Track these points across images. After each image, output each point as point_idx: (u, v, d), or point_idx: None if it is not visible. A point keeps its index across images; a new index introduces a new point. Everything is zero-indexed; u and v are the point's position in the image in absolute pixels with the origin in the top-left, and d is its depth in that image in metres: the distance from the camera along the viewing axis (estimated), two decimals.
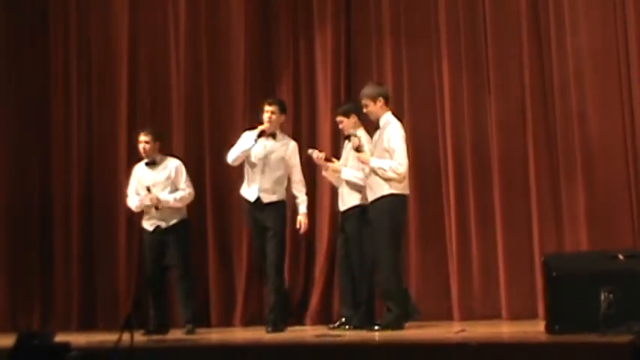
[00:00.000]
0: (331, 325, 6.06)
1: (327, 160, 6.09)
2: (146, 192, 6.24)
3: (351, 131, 5.96)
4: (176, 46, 7.58)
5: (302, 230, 6.19)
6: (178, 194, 6.31)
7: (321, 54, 7.13)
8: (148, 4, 7.78)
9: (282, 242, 6.07)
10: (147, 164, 6.40)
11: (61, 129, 7.80)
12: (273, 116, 6.11)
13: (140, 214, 6.47)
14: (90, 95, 7.79)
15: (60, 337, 4.54)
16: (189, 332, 6.14)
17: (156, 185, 6.30)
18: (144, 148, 6.35)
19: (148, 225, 6.37)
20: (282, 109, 6.19)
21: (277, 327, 5.92)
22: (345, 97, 6.95)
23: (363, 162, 5.71)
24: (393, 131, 5.65)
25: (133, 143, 7.31)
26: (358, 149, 5.72)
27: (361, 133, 5.97)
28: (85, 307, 7.45)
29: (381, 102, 5.72)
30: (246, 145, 6.07)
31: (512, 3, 6.51)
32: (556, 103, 6.31)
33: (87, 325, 7.35)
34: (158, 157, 6.42)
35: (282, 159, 6.12)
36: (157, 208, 6.23)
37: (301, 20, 7.28)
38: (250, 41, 7.33)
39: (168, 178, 6.35)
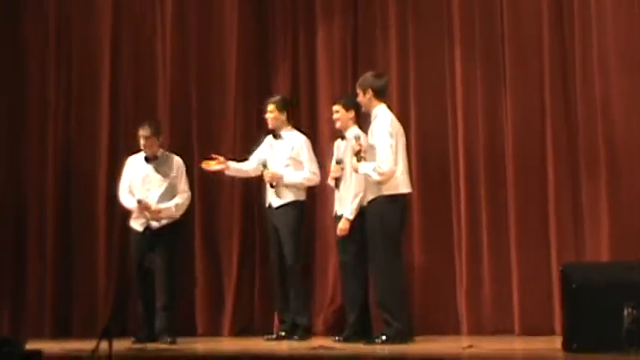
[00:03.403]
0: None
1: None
2: (138, 202, 6.41)
3: (340, 126, 6.18)
4: (162, 34, 7.58)
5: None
6: (176, 201, 6.49)
7: (324, 43, 7.14)
8: None
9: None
10: (146, 159, 6.53)
11: (35, 120, 7.78)
12: (271, 115, 6.50)
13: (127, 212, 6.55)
14: (69, 85, 7.76)
15: (32, 345, 4.58)
16: (172, 344, 6.24)
17: (152, 182, 6.47)
18: (144, 145, 6.51)
19: (137, 225, 6.49)
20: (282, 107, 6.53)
21: None
22: (353, 89, 6.92)
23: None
24: (377, 125, 5.79)
25: (115, 136, 7.47)
26: (357, 154, 5.83)
27: (356, 131, 6.07)
28: (60, 311, 7.44)
29: (369, 94, 5.87)
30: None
31: None
32: (578, 97, 6.34)
33: (61, 332, 7.34)
34: (159, 152, 6.58)
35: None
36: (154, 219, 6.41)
37: (300, 5, 7.30)
38: (244, 30, 7.36)
39: (167, 176, 6.51)
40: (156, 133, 6.58)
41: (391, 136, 5.74)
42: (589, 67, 6.29)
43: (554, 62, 6.41)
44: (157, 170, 6.54)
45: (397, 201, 5.76)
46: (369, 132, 5.84)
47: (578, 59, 6.34)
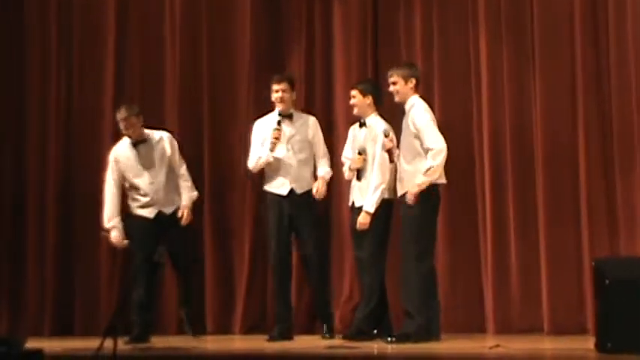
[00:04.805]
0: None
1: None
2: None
3: (358, 112, 6.15)
4: (171, 11, 7.58)
5: (317, 195, 6.25)
6: (186, 192, 6.39)
7: (341, 23, 7.12)
8: None
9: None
10: (134, 145, 6.36)
11: (36, 108, 7.77)
12: (285, 95, 6.30)
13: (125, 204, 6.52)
14: (71, 69, 7.74)
15: (31, 344, 4.59)
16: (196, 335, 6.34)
17: (149, 169, 6.33)
18: (124, 127, 6.32)
19: (146, 212, 6.38)
20: (293, 86, 6.39)
21: None
22: (373, 73, 6.97)
23: (419, 187, 5.69)
24: (416, 111, 5.81)
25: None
26: (389, 151, 5.87)
27: (375, 119, 6.10)
28: (61, 309, 7.47)
29: (412, 83, 5.91)
30: (265, 155, 6.28)
31: None
32: (612, 82, 6.33)
33: (62, 330, 7.38)
34: (145, 134, 6.42)
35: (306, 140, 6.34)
36: None
37: None
38: (257, 11, 7.35)
39: (163, 158, 6.37)
40: (134, 113, 6.34)
41: (432, 118, 5.80)
42: (623, 48, 6.28)
43: (587, 43, 6.39)
44: (150, 154, 6.35)
45: (437, 190, 5.80)
46: (409, 121, 5.80)
47: (612, 39, 6.33)
